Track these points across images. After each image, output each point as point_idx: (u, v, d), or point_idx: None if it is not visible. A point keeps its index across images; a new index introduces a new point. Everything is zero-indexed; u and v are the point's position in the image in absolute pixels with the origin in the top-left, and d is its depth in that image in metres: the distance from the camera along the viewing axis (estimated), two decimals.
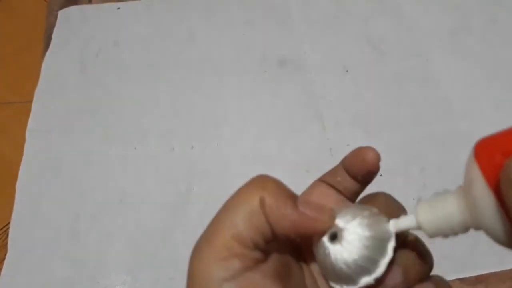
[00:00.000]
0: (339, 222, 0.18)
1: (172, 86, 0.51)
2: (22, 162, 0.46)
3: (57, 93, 0.51)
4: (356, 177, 0.22)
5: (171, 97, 0.51)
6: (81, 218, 0.43)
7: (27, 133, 0.48)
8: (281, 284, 0.18)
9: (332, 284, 0.19)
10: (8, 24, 0.62)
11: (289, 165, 0.46)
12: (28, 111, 0.49)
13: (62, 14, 0.58)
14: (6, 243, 0.42)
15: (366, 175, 0.21)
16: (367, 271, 0.18)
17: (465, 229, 0.17)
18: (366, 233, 0.18)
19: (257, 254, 0.18)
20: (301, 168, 0.45)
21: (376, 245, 0.18)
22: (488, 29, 0.55)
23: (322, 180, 0.23)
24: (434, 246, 0.40)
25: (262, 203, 0.18)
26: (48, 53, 0.54)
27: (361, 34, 0.55)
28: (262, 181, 0.18)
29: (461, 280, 0.39)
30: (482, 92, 0.50)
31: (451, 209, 0.17)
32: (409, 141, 0.47)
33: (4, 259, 0.41)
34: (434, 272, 0.40)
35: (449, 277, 0.39)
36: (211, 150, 0.47)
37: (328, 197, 0.21)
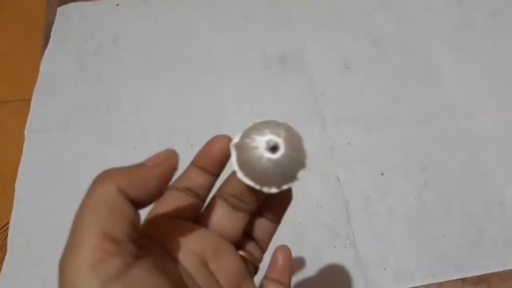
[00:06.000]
0: (269, 135, 0.20)
1: (171, 83, 0.51)
2: (21, 161, 0.46)
3: (56, 91, 0.51)
4: (208, 170, 0.22)
5: (170, 95, 0.50)
6: None
7: (26, 132, 0.48)
8: (166, 278, 0.17)
9: (260, 187, 0.21)
10: (7, 21, 0.62)
11: None
12: (26, 109, 0.49)
13: (61, 11, 0.57)
14: (6, 243, 0.42)
15: (217, 165, 0.22)
16: (290, 178, 0.21)
17: None
18: (295, 145, 0.20)
19: (133, 248, 0.17)
20: None
21: (299, 157, 0.21)
22: (491, 24, 0.55)
23: (172, 187, 0.22)
24: (436, 246, 0.40)
25: (118, 187, 0.17)
26: (47, 50, 0.54)
27: (362, 30, 0.54)
28: (103, 175, 0.17)
29: (463, 280, 0.39)
30: (485, 89, 0.49)
31: None
32: (411, 139, 0.46)
33: (3, 258, 0.41)
34: (436, 272, 0.39)
35: (451, 276, 0.39)
36: None
37: (182, 203, 0.21)
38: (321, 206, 0.42)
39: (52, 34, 0.55)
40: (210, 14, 0.56)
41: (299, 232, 0.41)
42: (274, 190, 0.21)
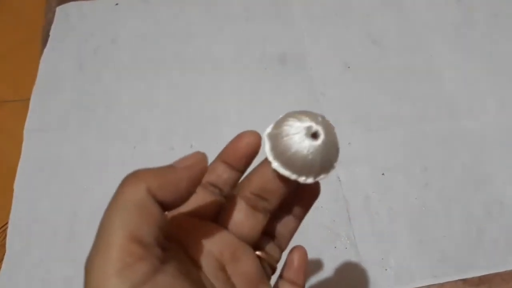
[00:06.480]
0: (309, 122, 0.19)
1: (171, 83, 0.51)
2: (20, 161, 0.46)
3: (55, 91, 0.51)
4: (235, 166, 0.21)
5: (170, 95, 0.50)
6: (79, 217, 0.43)
7: (24, 132, 0.48)
8: (190, 283, 0.17)
9: (297, 177, 0.20)
10: (5, 20, 0.61)
11: None
12: (25, 109, 0.49)
13: (60, 10, 0.57)
14: (5, 243, 0.42)
15: (244, 161, 0.21)
16: (328, 166, 0.20)
17: None
18: (331, 131, 0.20)
19: (159, 252, 0.16)
20: None
21: (335, 146, 0.20)
22: (491, 24, 0.55)
23: None
24: (437, 247, 0.40)
25: (148, 188, 0.16)
26: (46, 50, 0.54)
27: (362, 29, 0.54)
28: (133, 175, 0.17)
29: (464, 280, 0.39)
30: (486, 89, 0.49)
31: None
32: (411, 139, 0.46)
33: (2, 258, 0.41)
34: (436, 272, 0.39)
35: (452, 277, 0.39)
36: (210, 148, 0.46)
37: (204, 200, 0.21)
38: (322, 207, 0.42)
39: (51, 33, 0.55)
40: (210, 14, 0.56)
41: (299, 233, 0.41)
42: (310, 180, 0.20)
